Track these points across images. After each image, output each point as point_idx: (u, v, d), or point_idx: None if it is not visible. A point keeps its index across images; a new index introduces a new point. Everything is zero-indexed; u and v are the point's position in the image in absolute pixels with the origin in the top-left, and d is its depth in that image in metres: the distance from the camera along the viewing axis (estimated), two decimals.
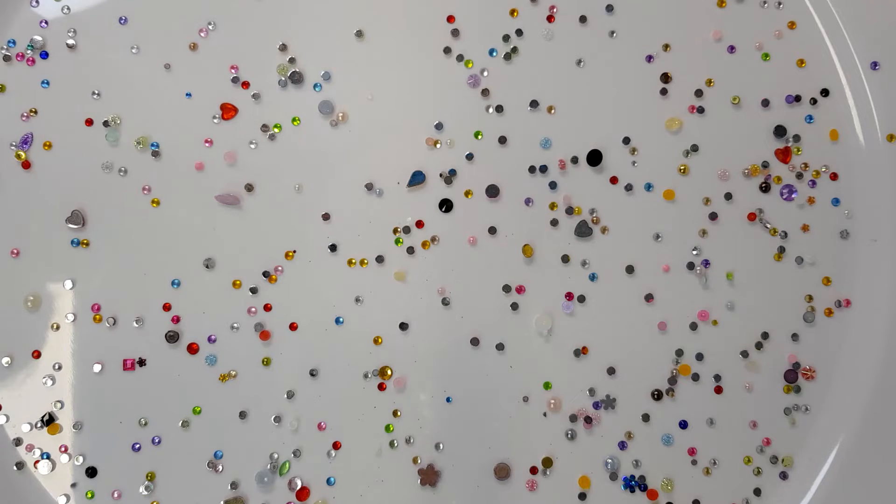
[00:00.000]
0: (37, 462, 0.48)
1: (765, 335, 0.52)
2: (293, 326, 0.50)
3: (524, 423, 0.51)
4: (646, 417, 0.51)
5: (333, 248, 0.50)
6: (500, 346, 0.51)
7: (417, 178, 0.50)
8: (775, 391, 0.52)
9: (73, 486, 0.48)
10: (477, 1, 0.52)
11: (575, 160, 0.51)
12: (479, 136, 0.51)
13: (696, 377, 0.51)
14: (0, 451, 0.48)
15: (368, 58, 0.51)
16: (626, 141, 0.52)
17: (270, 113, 0.51)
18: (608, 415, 0.51)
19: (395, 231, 0.51)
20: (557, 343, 0.51)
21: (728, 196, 0.52)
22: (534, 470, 0.51)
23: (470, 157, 0.51)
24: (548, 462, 0.51)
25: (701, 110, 0.52)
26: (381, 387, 0.50)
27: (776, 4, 0.53)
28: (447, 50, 0.51)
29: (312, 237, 0.50)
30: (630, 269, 0.51)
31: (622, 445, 0.51)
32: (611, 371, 0.51)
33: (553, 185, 0.51)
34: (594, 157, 0.51)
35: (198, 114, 0.50)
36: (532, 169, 0.51)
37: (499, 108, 0.51)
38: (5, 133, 0.49)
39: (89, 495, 0.49)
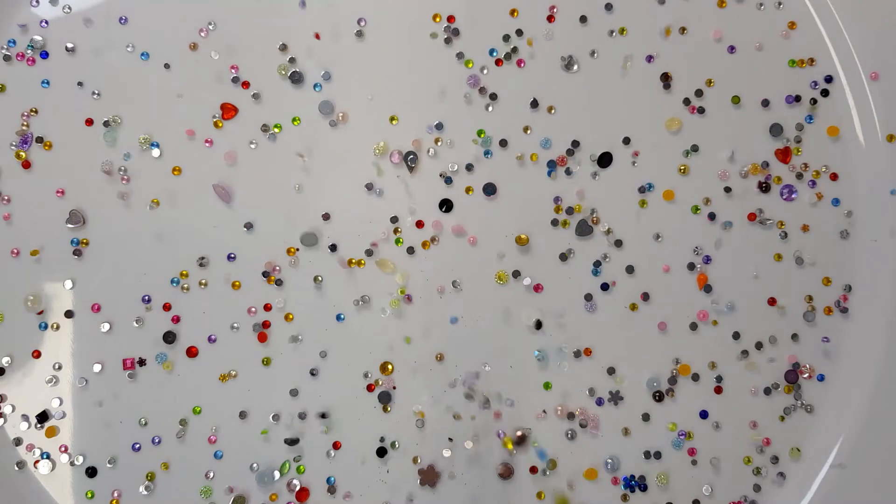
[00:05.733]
0: (37, 462, 0.48)
1: (765, 335, 0.52)
2: (293, 326, 0.50)
3: (524, 423, 0.51)
4: (646, 417, 0.51)
5: (333, 248, 0.50)
6: (499, 346, 0.51)
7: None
8: (775, 391, 0.52)
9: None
10: (477, 1, 0.52)
11: (571, 153, 0.51)
12: (480, 135, 0.51)
13: (696, 377, 0.51)
14: (0, 451, 0.48)
15: (368, 58, 0.51)
16: (627, 141, 0.52)
17: (270, 113, 0.51)
18: (609, 415, 0.51)
19: (396, 231, 0.51)
20: (557, 343, 0.51)
21: (728, 196, 0.52)
22: (533, 470, 0.51)
23: (470, 157, 0.51)
24: (549, 462, 0.51)
25: (701, 110, 0.52)
26: (380, 385, 0.50)
27: (776, 4, 0.53)
28: (447, 48, 0.51)
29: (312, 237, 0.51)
30: (630, 269, 0.51)
31: (622, 445, 0.51)
32: (611, 371, 0.51)
33: (553, 184, 0.51)
34: (604, 159, 0.51)
35: (198, 114, 0.50)
36: (532, 169, 0.51)
37: (498, 108, 0.51)
38: (5, 133, 0.49)
39: (89, 495, 0.49)
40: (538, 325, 0.50)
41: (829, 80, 0.52)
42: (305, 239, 0.50)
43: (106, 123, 0.50)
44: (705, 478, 0.51)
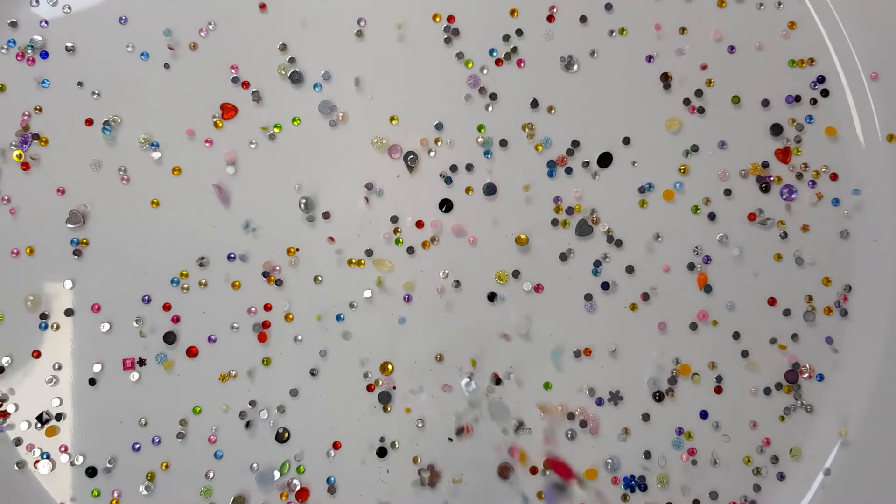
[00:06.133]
0: (37, 462, 0.48)
1: (765, 335, 0.52)
2: (293, 326, 0.50)
3: (524, 423, 0.51)
4: (646, 417, 0.51)
5: (334, 248, 0.50)
6: (499, 346, 0.51)
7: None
8: (775, 391, 0.52)
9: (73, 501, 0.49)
10: (477, 1, 0.52)
11: (571, 153, 0.52)
12: (481, 130, 0.51)
13: (696, 377, 0.51)
14: (0, 451, 0.48)
15: (368, 58, 0.51)
16: (627, 141, 0.52)
17: (270, 113, 0.51)
18: (608, 415, 0.51)
19: (396, 231, 0.51)
20: (557, 343, 0.51)
21: (728, 196, 0.52)
22: (533, 470, 0.51)
23: (470, 157, 0.51)
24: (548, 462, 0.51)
25: (701, 110, 0.52)
26: (380, 385, 0.50)
27: (776, 4, 0.53)
28: (447, 48, 0.51)
29: (312, 237, 0.50)
30: (630, 269, 0.51)
31: (622, 445, 0.51)
32: (611, 371, 0.51)
33: (553, 184, 0.51)
34: (604, 159, 0.51)
35: (198, 114, 0.50)
36: (533, 169, 0.51)
37: (499, 108, 0.51)
38: (5, 133, 0.49)
39: (95, 494, 0.49)
40: (491, 297, 0.50)
41: (821, 80, 0.52)
42: (305, 205, 0.49)
43: (106, 124, 0.50)
44: (705, 478, 0.51)
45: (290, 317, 0.50)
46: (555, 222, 0.51)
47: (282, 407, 0.50)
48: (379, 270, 0.51)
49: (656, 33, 0.52)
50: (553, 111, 0.52)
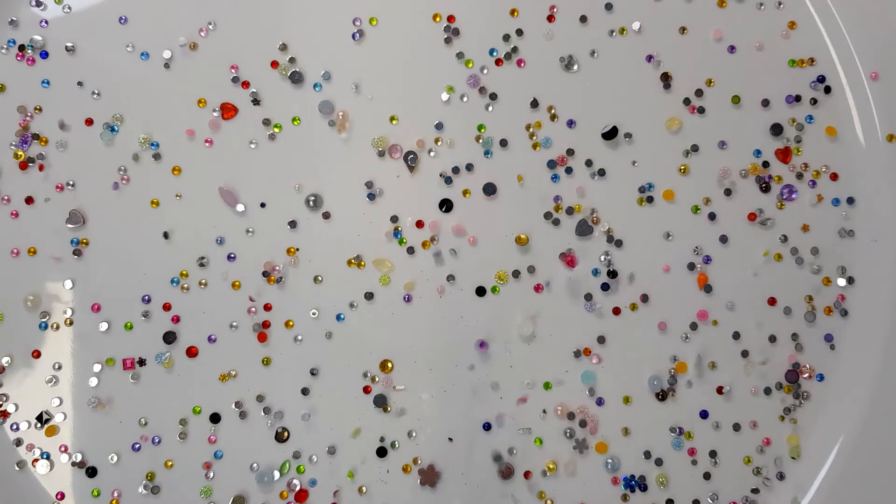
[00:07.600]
0: (35, 461, 0.48)
1: (765, 335, 0.52)
2: (293, 326, 0.50)
3: (523, 423, 0.51)
4: (646, 417, 0.51)
5: (334, 248, 0.50)
6: (500, 347, 0.51)
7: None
8: (775, 391, 0.52)
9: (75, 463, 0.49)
10: (477, 1, 0.52)
11: (571, 153, 0.52)
12: (481, 129, 0.51)
13: (695, 377, 0.51)
14: (0, 451, 0.48)
15: (368, 58, 0.51)
16: (627, 139, 0.52)
17: (270, 113, 0.51)
18: (609, 414, 0.51)
19: (396, 230, 0.51)
20: (557, 343, 0.51)
21: (728, 196, 0.52)
22: (527, 475, 0.51)
23: (470, 157, 0.51)
24: (549, 463, 0.51)
25: (701, 110, 0.52)
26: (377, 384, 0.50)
27: (776, 4, 0.53)
28: (447, 48, 0.51)
29: (312, 237, 0.50)
30: (630, 269, 0.51)
31: (622, 445, 0.51)
32: (611, 371, 0.51)
33: (554, 184, 0.51)
34: (610, 133, 0.51)
35: (198, 114, 0.50)
36: (533, 169, 0.51)
37: (498, 108, 0.51)
38: (5, 132, 0.49)
39: (95, 494, 0.49)
40: (479, 291, 0.50)
41: (821, 80, 0.52)
42: (314, 202, 0.50)
43: (111, 127, 0.49)
44: (705, 478, 0.51)
45: (291, 323, 0.50)
46: (556, 222, 0.51)
47: (280, 413, 0.50)
48: (379, 270, 0.51)
49: (657, 33, 0.52)
50: (553, 111, 0.52)
